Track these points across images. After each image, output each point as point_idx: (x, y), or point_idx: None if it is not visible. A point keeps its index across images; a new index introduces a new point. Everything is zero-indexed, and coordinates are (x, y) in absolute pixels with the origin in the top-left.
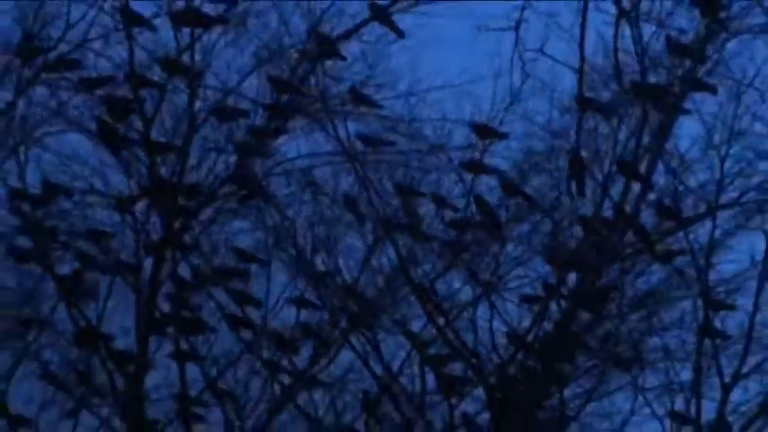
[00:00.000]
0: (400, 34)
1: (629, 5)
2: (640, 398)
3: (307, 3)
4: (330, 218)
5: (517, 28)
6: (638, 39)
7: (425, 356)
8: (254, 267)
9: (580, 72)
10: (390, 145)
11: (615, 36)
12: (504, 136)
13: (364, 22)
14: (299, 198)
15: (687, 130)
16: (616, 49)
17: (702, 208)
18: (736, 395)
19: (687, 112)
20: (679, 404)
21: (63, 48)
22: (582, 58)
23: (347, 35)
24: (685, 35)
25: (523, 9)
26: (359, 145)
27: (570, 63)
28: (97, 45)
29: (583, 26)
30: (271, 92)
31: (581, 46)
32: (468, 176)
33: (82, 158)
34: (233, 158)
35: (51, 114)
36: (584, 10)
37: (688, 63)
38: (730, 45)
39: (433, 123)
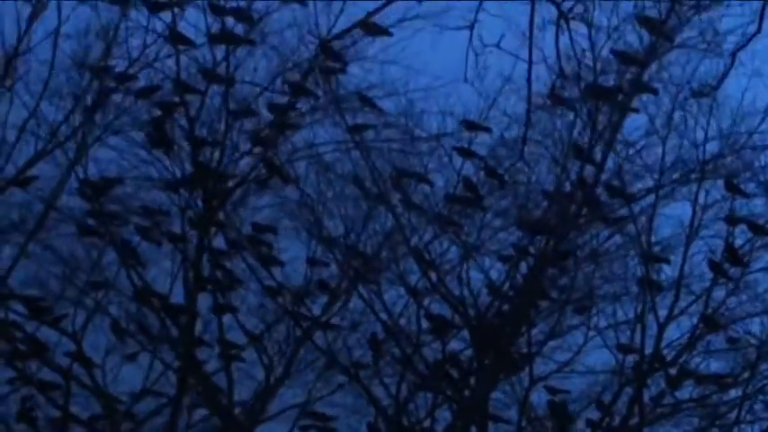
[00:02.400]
0: (387, 33)
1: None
2: (592, 334)
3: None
4: (339, 193)
5: (472, 27)
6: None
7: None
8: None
9: (529, 69)
10: (371, 128)
11: (556, 36)
12: (488, 130)
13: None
14: (314, 178)
15: (636, 123)
16: (557, 48)
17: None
18: (671, 332)
19: (635, 110)
20: (623, 339)
21: (122, 64)
22: (530, 58)
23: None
24: (631, 46)
25: (477, 11)
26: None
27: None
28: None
29: (531, 26)
30: (289, 94)
31: (529, 45)
32: (455, 160)
33: (137, 152)
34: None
35: (113, 118)
36: (532, 12)
37: (634, 69)
38: (670, 54)
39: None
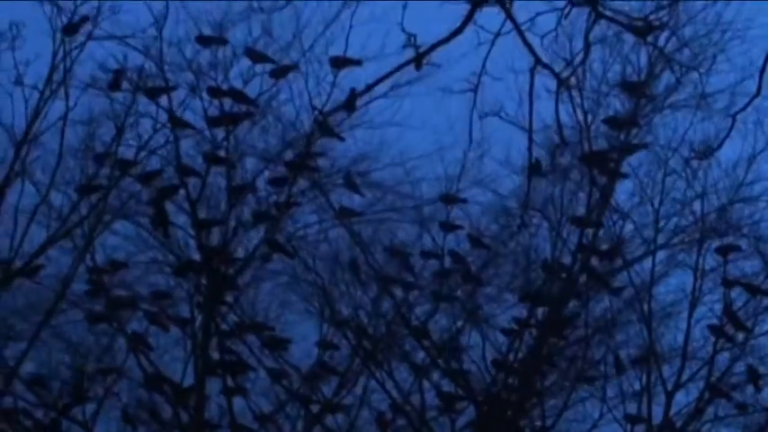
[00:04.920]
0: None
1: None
2: (604, 404)
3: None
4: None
5: (475, 91)
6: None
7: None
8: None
9: (529, 139)
10: (360, 215)
11: (556, 104)
12: (464, 201)
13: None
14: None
15: (626, 188)
16: (558, 117)
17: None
18: (678, 400)
19: (625, 175)
20: (631, 409)
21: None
22: (530, 127)
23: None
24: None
25: (480, 75)
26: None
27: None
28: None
29: (531, 95)
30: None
31: (530, 114)
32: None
33: (144, 237)
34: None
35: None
36: (531, 80)
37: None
38: (657, 118)
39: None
